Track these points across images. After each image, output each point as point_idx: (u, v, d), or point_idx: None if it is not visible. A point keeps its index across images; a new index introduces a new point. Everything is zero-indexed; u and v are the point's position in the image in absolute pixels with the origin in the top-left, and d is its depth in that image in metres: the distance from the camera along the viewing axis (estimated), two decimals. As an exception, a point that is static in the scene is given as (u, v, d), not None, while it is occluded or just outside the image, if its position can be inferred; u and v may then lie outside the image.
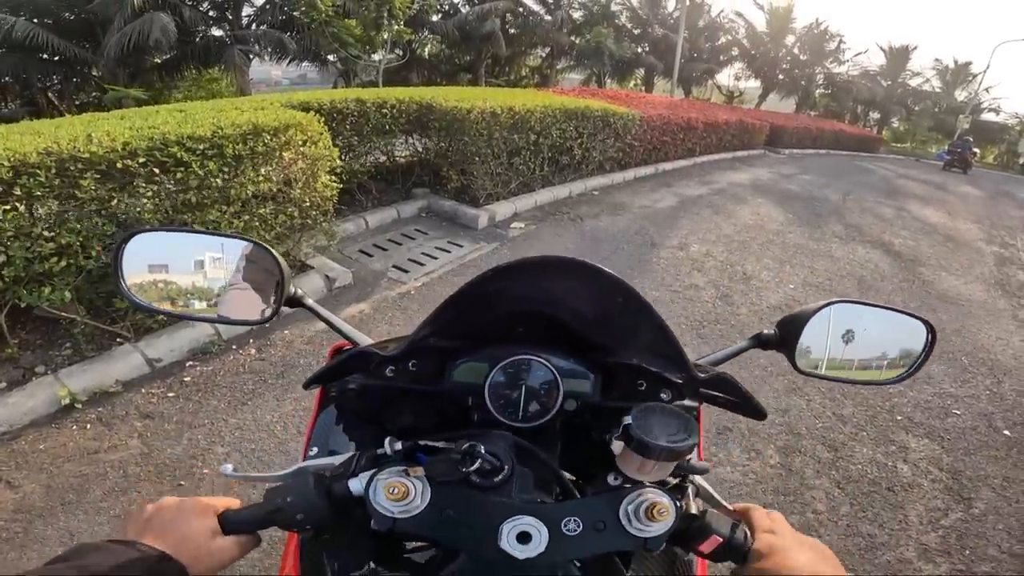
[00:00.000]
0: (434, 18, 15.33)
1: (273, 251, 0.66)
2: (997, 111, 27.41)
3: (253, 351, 2.55)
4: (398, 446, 0.50)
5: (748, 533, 0.51)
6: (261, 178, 2.59)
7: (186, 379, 2.32)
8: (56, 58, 9.55)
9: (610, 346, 0.59)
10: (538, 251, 3.97)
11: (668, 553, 0.65)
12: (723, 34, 23.00)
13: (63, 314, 2.21)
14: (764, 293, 3.83)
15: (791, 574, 0.45)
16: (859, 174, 11.24)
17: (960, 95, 26.95)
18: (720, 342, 2.99)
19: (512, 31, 17.66)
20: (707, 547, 0.49)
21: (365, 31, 9.36)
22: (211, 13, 12.20)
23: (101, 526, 1.64)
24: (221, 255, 0.65)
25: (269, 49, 12.17)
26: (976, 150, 18.34)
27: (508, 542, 0.45)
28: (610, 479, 0.51)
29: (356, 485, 0.48)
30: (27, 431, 1.99)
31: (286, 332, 2.71)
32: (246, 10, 12.63)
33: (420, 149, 4.89)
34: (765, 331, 0.71)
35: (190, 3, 11.39)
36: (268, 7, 12.67)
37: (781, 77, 23.90)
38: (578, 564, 0.51)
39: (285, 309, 0.68)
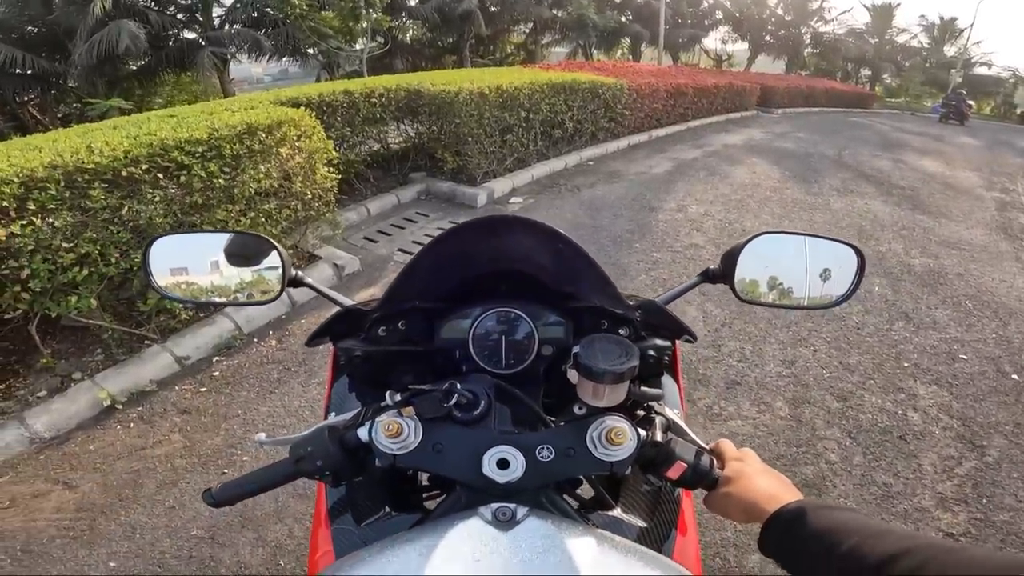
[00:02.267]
0: (412, 2, 15.03)
1: (272, 240, 0.75)
2: (989, 65, 27.82)
3: (274, 342, 2.62)
4: (397, 397, 0.56)
5: (715, 461, 0.57)
6: (261, 175, 2.64)
7: (215, 374, 2.40)
8: (29, 72, 9.44)
9: (574, 293, 0.65)
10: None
11: (652, 491, 0.70)
12: (704, -2, 22.68)
13: (91, 321, 2.28)
14: None
15: (752, 496, 0.51)
16: (854, 129, 11.15)
17: (949, 50, 27.44)
18: (723, 298, 3.04)
19: (493, 9, 17.30)
20: (674, 472, 0.55)
21: (343, 22, 9.20)
22: (179, 16, 11.97)
23: (159, 517, 1.72)
24: (230, 248, 0.75)
25: (245, 48, 11.96)
26: (971, 102, 18.33)
27: (490, 468, 0.52)
28: (575, 409, 0.57)
29: (363, 432, 0.55)
30: (75, 434, 2.08)
31: (303, 321, 2.79)
32: (217, 10, 12.37)
33: (413, 134, 4.92)
34: (711, 267, 0.75)
35: (156, 8, 11.17)
36: (238, 5, 12.40)
37: (768, 39, 23.64)
38: (574, 504, 0.57)
39: (290, 290, 0.76)
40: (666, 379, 0.73)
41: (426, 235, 3.97)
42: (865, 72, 28.07)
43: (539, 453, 0.53)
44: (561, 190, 5.06)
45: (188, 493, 1.81)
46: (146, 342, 2.47)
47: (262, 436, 0.62)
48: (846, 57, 25.40)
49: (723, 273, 0.73)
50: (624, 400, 0.56)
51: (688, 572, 0.47)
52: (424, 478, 0.82)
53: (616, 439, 0.52)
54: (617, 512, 0.67)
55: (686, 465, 0.55)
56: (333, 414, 0.64)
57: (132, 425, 2.12)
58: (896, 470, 1.95)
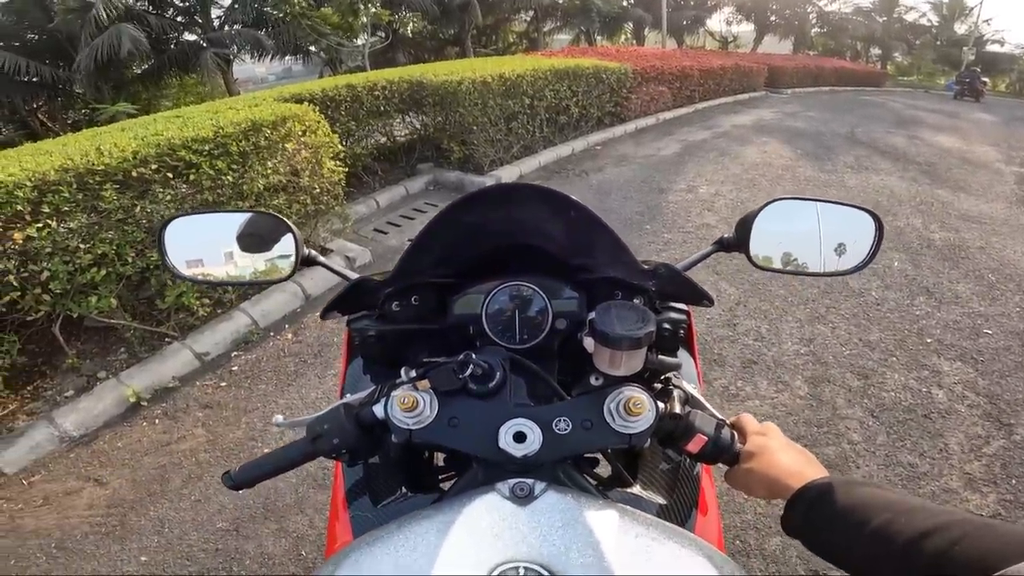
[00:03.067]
0: (410, -5, 14.94)
1: (285, 220, 0.74)
2: (1002, 43, 27.05)
3: (290, 335, 2.65)
4: (412, 373, 0.55)
5: (736, 435, 0.55)
6: (269, 171, 2.66)
7: (234, 368, 2.43)
8: (35, 79, 9.55)
9: (588, 265, 0.64)
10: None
11: (671, 468, 0.68)
12: (708, -23, 22.30)
13: (113, 321, 2.32)
14: None
15: (776, 472, 0.49)
16: (866, 108, 10.92)
17: (960, 28, 26.56)
18: (737, 276, 3.01)
19: (492, -2, 17.15)
20: (694, 447, 0.53)
21: (343, 18, 9.18)
22: (178, 18, 12.03)
23: (186, 511, 1.76)
24: (244, 228, 0.74)
25: (247, 48, 12.00)
26: (986, 79, 17.98)
27: (506, 442, 0.50)
28: (592, 379, 0.56)
29: (379, 409, 0.54)
30: (103, 432, 2.13)
31: (317, 314, 2.80)
32: (216, 11, 12.40)
33: (418, 126, 4.92)
34: (725, 235, 0.73)
35: (154, 11, 11.23)
36: (236, 6, 12.41)
37: (774, 19, 23.24)
38: (592, 481, 0.56)
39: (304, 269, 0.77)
40: (682, 353, 0.72)
41: (436, 224, 3.99)
42: (875, 51, 27.54)
43: (556, 426, 0.51)
44: (569, 175, 5.03)
45: (212, 487, 1.85)
46: (166, 339, 2.52)
47: (279, 418, 0.62)
48: (854, 36, 24.88)
49: (738, 241, 0.71)
50: (642, 371, 0.55)
51: (714, 547, 0.45)
52: (440, 459, 0.81)
53: (635, 409, 0.50)
54: (636, 489, 0.66)
55: (706, 438, 0.53)
56: (348, 395, 0.64)
57: (157, 421, 2.17)
58: (922, 450, 1.91)
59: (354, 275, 0.72)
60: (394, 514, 0.63)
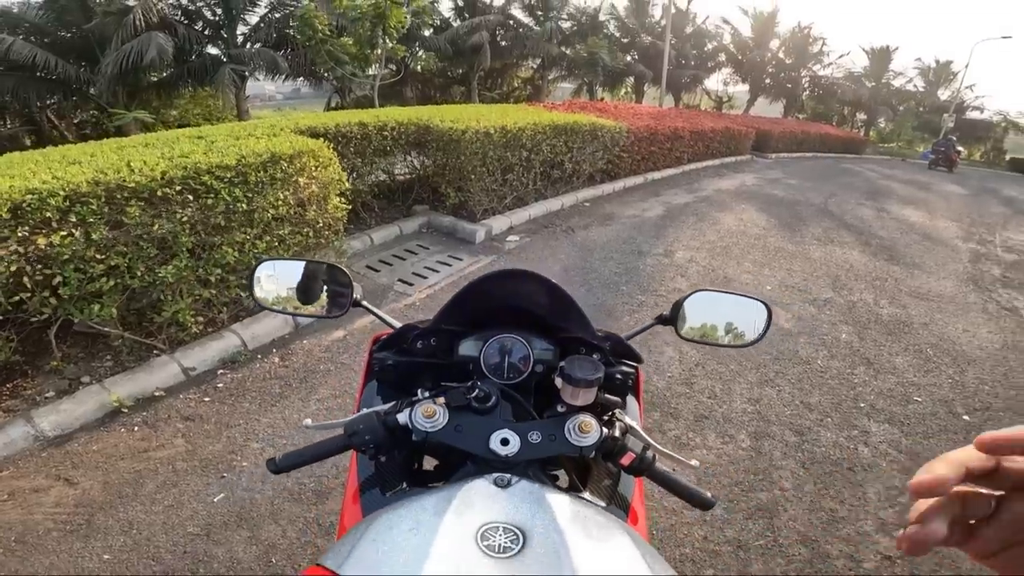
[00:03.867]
0: (426, 33, 15.66)
1: (345, 269, 0.98)
2: (981, 109, 27.62)
3: (277, 360, 2.79)
4: (427, 393, 0.76)
5: (657, 456, 0.75)
6: (280, 202, 2.83)
7: (219, 385, 2.55)
8: (53, 77, 9.77)
9: (562, 327, 0.87)
10: (533, 262, 4.29)
11: (611, 485, 0.88)
12: (709, 40, 23.38)
13: (106, 329, 2.45)
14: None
15: None
16: (843, 176, 11.55)
17: (943, 94, 27.27)
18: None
19: (503, 43, 18.00)
20: (625, 460, 0.73)
21: (360, 48, 9.62)
22: (205, 31, 12.48)
23: (157, 515, 1.82)
24: (313, 272, 0.99)
25: (264, 67, 12.42)
26: (961, 148, 18.65)
27: (495, 444, 0.70)
28: (558, 407, 0.78)
29: (403, 417, 0.73)
30: (78, 435, 2.18)
31: (305, 342, 2.96)
32: (241, 28, 12.88)
33: (418, 166, 5.12)
34: (664, 313, 0.99)
35: (185, 22, 11.67)
36: (263, 25, 12.92)
37: (768, 81, 24.29)
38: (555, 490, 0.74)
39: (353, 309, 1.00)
40: (630, 399, 0.94)
41: (426, 267, 4.15)
42: (861, 116, 28.43)
43: (530, 437, 0.71)
44: (556, 231, 5.25)
45: (188, 493, 1.93)
46: (155, 351, 2.62)
47: (308, 421, 0.80)
48: (842, 100, 25.79)
49: (670, 318, 0.97)
50: (594, 404, 0.78)
51: (626, 524, 0.63)
52: (430, 464, 0.99)
53: (585, 428, 0.71)
54: (585, 495, 0.85)
55: (634, 455, 0.72)
56: (364, 408, 0.83)
57: (136, 429, 2.24)
58: (843, 497, 2.12)
59: (395, 323, 0.95)
60: (399, 500, 0.82)
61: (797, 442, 2.44)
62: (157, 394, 2.45)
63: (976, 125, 27.27)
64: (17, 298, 2.03)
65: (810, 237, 5.89)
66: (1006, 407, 2.90)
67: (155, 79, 11.65)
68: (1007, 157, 26.54)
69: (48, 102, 10.45)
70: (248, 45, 12.71)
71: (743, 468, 2.24)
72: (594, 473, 0.90)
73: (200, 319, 2.67)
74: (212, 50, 12.54)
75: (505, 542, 0.54)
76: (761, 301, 0.96)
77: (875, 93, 26.09)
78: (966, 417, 2.78)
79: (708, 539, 1.88)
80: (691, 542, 1.85)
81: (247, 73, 12.20)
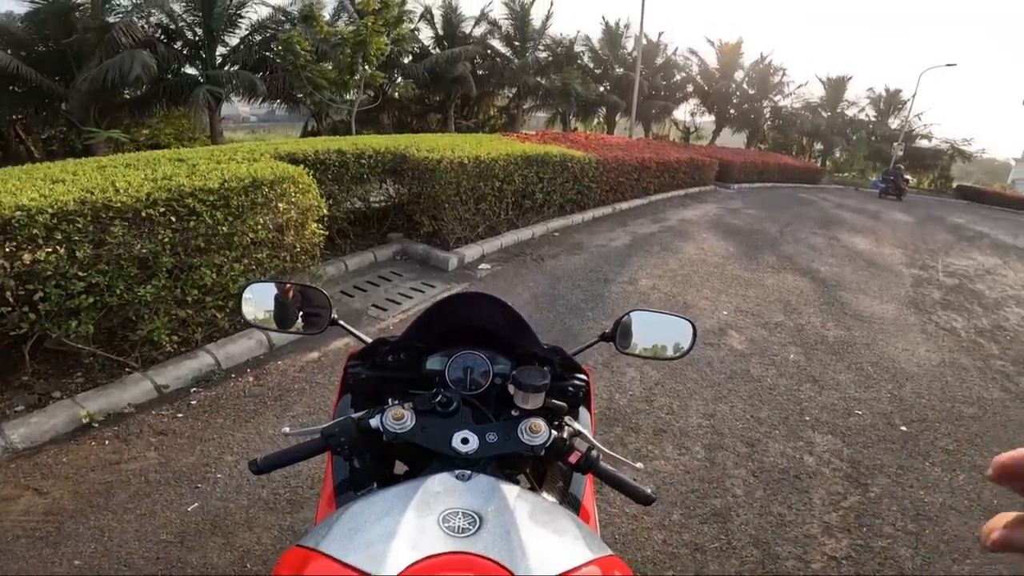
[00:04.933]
0: (406, 60, 16.05)
1: (324, 292, 1.10)
2: (929, 137, 28.11)
3: (251, 379, 2.84)
4: (397, 400, 0.84)
5: (602, 455, 0.86)
6: (259, 226, 2.92)
7: (192, 402, 2.59)
8: (24, 91, 9.62)
9: (517, 343, 1.00)
10: (503, 290, 4.50)
11: (563, 487, 0.99)
12: (678, 71, 24.46)
13: (79, 346, 2.46)
14: (701, 319, 4.28)
15: None
16: (799, 206, 12.16)
17: (894, 123, 27.87)
18: (660, 364, 3.41)
19: (481, 72, 18.53)
20: (573, 459, 0.81)
21: (340, 74, 9.83)
22: (184, 51, 12.51)
23: (129, 523, 1.85)
24: (294, 293, 1.11)
25: (241, 89, 12.47)
26: (908, 177, 19.51)
27: (456, 443, 0.79)
28: (512, 412, 0.90)
29: (375, 421, 0.81)
30: (48, 447, 2.18)
31: (279, 363, 3.02)
32: (220, 49, 12.94)
33: (393, 194, 5.22)
34: (605, 331, 1.13)
35: (164, 40, 11.70)
36: (241, 48, 13.02)
37: (732, 112, 25.33)
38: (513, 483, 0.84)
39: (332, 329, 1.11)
40: (582, 410, 1.06)
41: (400, 294, 4.25)
42: (818, 146, 28.92)
43: (487, 437, 0.81)
44: (527, 259, 5.41)
45: (161, 503, 1.94)
46: (127, 369, 2.64)
47: (286, 428, 0.89)
48: (800, 131, 26.46)
49: (611, 335, 1.11)
50: (544, 410, 0.90)
51: (572, 514, 0.73)
52: (400, 469, 1.09)
53: (535, 429, 0.81)
54: (542, 494, 0.96)
55: (580, 454, 0.82)
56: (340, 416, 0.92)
57: (107, 442, 2.25)
58: (791, 503, 2.27)
59: (367, 339, 1.07)
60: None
61: (748, 452, 2.61)
62: (129, 410, 2.46)
63: (924, 153, 27.86)
64: (-2, 312, 2.06)
65: (765, 265, 6.23)
66: (942, 419, 3.14)
67: (128, 97, 11.55)
68: (954, 184, 27.25)
69: (17, 116, 10.26)
70: (227, 66, 12.77)
71: (698, 477, 2.39)
72: (548, 476, 1.02)
73: (175, 338, 2.71)
74: (189, 70, 12.54)
75: (463, 524, 0.64)
76: (688, 320, 1.11)
77: (831, 122, 27.04)
78: (903, 428, 2.99)
79: (667, 542, 2.01)
80: (651, 545, 1.98)
81: (223, 95, 12.21)
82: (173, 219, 2.50)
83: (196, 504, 1.98)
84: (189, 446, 2.29)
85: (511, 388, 0.89)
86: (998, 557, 2.07)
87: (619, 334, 1.09)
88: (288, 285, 1.10)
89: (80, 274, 2.19)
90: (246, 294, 1.07)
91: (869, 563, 2.00)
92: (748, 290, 5.20)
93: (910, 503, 2.35)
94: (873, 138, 27.77)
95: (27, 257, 2.03)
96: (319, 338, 3.35)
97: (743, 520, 2.16)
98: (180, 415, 2.49)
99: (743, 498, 2.28)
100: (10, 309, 2.08)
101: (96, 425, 2.34)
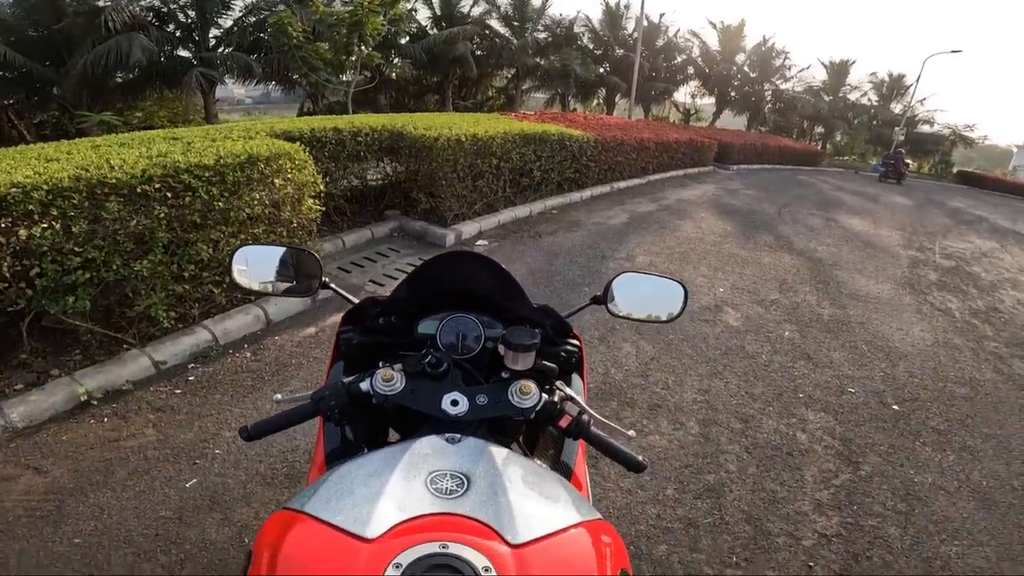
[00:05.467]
0: (403, 41, 15.77)
1: (315, 254, 1.09)
2: (931, 123, 28.03)
3: (248, 354, 2.85)
4: (387, 363, 0.83)
5: (591, 420, 0.85)
6: (255, 202, 2.91)
7: (190, 378, 2.60)
8: (15, 76, 9.49)
9: (508, 305, 0.99)
10: (500, 263, 4.40)
11: (555, 454, 0.99)
12: (679, 53, 24.09)
13: (76, 323, 2.47)
14: (697, 296, 4.29)
15: None
16: (798, 188, 12.10)
17: (896, 107, 27.59)
18: (656, 337, 3.46)
19: (479, 53, 18.23)
20: (563, 423, 0.81)
21: (336, 55, 9.65)
22: (177, 34, 12.29)
23: (129, 500, 1.86)
24: (285, 257, 1.09)
25: (236, 71, 12.28)
26: (909, 161, 19.46)
27: (446, 405, 0.79)
28: (503, 374, 0.89)
29: (365, 384, 0.81)
30: (47, 426, 2.19)
31: (276, 338, 3.03)
32: (214, 31, 12.71)
33: (391, 172, 5.21)
34: (597, 294, 1.11)
35: (156, 24, 11.49)
36: (235, 30, 12.79)
37: (733, 95, 25.03)
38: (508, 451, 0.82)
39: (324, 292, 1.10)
40: (575, 377, 1.06)
41: (396, 269, 4.25)
42: (819, 129, 28.65)
43: (477, 399, 0.80)
44: (524, 236, 5.41)
45: (159, 480, 1.95)
46: (124, 346, 2.64)
47: (278, 396, 0.88)
48: (802, 114, 26.09)
49: (603, 298, 1.09)
50: (535, 372, 0.88)
51: (561, 478, 0.73)
52: (393, 437, 1.08)
53: (525, 390, 0.80)
54: (534, 461, 0.97)
55: (571, 418, 0.81)
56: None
57: (106, 419, 2.26)
58: (783, 479, 2.30)
59: (355, 299, 1.06)
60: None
61: (742, 428, 2.64)
62: (127, 387, 2.47)
63: (926, 138, 27.75)
64: (-6, 288, 2.06)
65: (762, 244, 6.23)
66: (934, 398, 3.18)
67: (120, 80, 11.39)
68: (955, 170, 27.24)
69: (9, 102, 10.13)
70: (221, 48, 12.56)
71: (692, 452, 2.42)
72: (540, 444, 1.02)
73: (172, 314, 2.72)
74: (183, 52, 12.34)
75: (451, 486, 0.64)
76: (678, 282, 1.09)
77: (833, 107, 26.72)
78: (895, 407, 3.02)
79: (661, 517, 2.04)
80: (645, 519, 2.01)
81: (217, 77, 12.02)
82: (169, 195, 2.48)
83: (194, 480, 2.00)
84: (187, 422, 2.30)
85: (501, 349, 0.88)
86: (984, 539, 2.12)
87: (610, 296, 1.07)
88: (278, 248, 1.09)
89: (76, 249, 2.19)
90: (236, 257, 1.05)
91: (859, 541, 2.03)
92: (745, 268, 5.21)
93: (900, 482, 2.37)
94: (875, 122, 27.52)
95: (23, 233, 2.02)
96: (316, 313, 3.38)
97: (736, 496, 2.19)
98: (178, 391, 2.51)
99: (736, 474, 2.31)
100: (7, 285, 2.08)
101: (95, 402, 2.35)
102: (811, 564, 1.92)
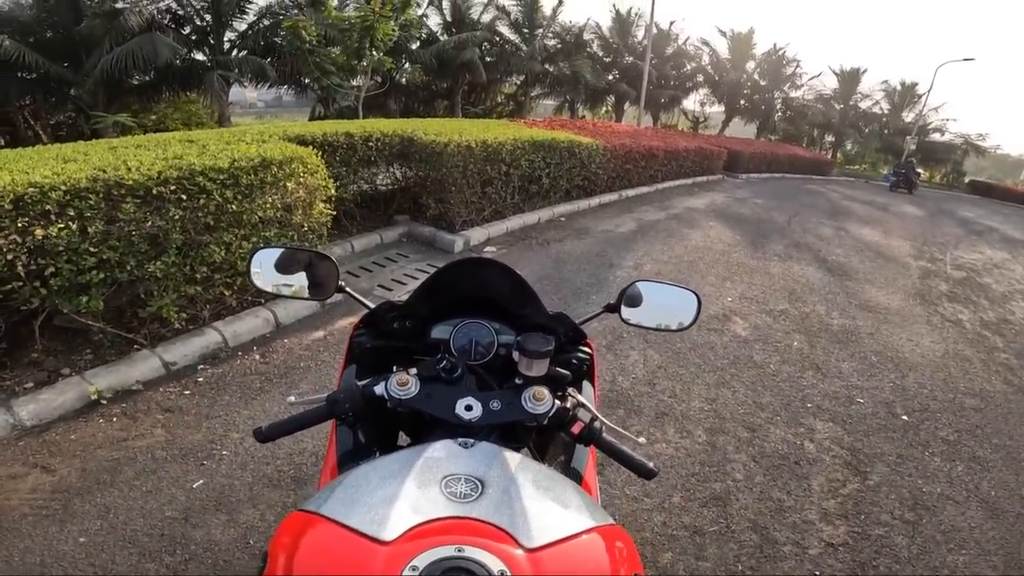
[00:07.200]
0: (413, 46, 15.90)
1: (332, 258, 1.09)
2: (943, 132, 27.44)
3: (257, 357, 2.87)
4: (401, 367, 0.84)
5: (603, 426, 0.85)
6: (268, 205, 2.95)
7: (199, 380, 2.62)
8: (33, 77, 9.66)
9: (522, 312, 1.00)
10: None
11: (566, 460, 0.98)
12: (688, 61, 24.01)
13: (88, 322, 2.49)
14: (705, 305, 4.15)
15: None
16: (808, 197, 12.02)
17: (908, 116, 27.06)
18: (663, 346, 3.45)
19: (488, 59, 18.34)
20: (575, 429, 0.81)
21: (347, 60, 9.75)
22: (193, 37, 12.48)
23: (135, 500, 1.87)
24: (303, 259, 1.09)
25: (249, 74, 12.45)
26: (920, 171, 19.18)
27: (460, 410, 0.79)
28: (516, 380, 0.90)
29: (379, 388, 0.82)
30: (56, 424, 2.20)
31: (286, 341, 3.05)
32: (228, 34, 12.91)
33: (400, 178, 5.24)
34: (610, 302, 1.11)
35: (172, 26, 11.69)
36: (250, 33, 12.98)
37: (743, 103, 24.91)
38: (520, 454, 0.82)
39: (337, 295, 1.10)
40: (586, 384, 1.06)
41: (405, 274, 4.26)
42: (829, 138, 28.09)
43: (491, 404, 0.80)
44: (532, 243, 5.42)
45: (167, 480, 1.96)
46: (135, 346, 2.67)
47: (292, 397, 0.89)
48: (812, 123, 25.86)
49: (616, 306, 1.09)
50: (548, 379, 0.89)
51: (576, 484, 0.73)
52: (403, 440, 1.08)
53: (539, 397, 0.80)
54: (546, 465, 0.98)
55: (583, 424, 0.81)
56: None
57: (115, 419, 2.28)
58: (790, 488, 2.29)
59: (370, 304, 1.06)
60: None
61: (749, 437, 2.62)
62: (137, 387, 2.50)
63: (937, 147, 27.14)
64: (9, 287, 2.09)
65: (771, 253, 6.19)
66: (943, 409, 3.14)
67: (136, 83, 11.57)
68: (967, 179, 26.88)
69: (25, 102, 10.30)
70: (235, 52, 12.74)
71: (699, 460, 2.40)
72: (551, 451, 1.02)
73: (183, 315, 2.74)
74: (198, 55, 12.53)
75: (466, 490, 0.65)
76: (692, 292, 1.09)
77: (843, 115, 26.45)
78: (904, 417, 2.99)
79: (667, 524, 2.02)
80: (651, 527, 2.00)
81: (232, 80, 12.20)
82: (183, 197, 2.51)
83: (201, 481, 2.01)
84: (195, 423, 2.32)
85: (515, 355, 0.88)
86: (992, 548, 2.09)
87: (623, 304, 1.07)
88: (297, 251, 1.10)
89: (91, 250, 2.22)
90: (255, 259, 1.06)
91: (866, 550, 2.01)
92: (753, 278, 5.18)
93: (908, 492, 2.35)
94: (886, 131, 27.20)
95: (39, 232, 2.05)
96: (324, 317, 3.39)
97: (742, 504, 2.17)
98: (187, 392, 2.53)
99: (743, 482, 2.29)
100: (22, 284, 2.11)
101: (104, 402, 2.37)
102: (817, 573, 1.90)
